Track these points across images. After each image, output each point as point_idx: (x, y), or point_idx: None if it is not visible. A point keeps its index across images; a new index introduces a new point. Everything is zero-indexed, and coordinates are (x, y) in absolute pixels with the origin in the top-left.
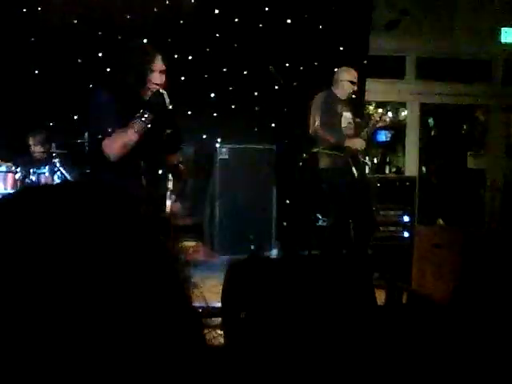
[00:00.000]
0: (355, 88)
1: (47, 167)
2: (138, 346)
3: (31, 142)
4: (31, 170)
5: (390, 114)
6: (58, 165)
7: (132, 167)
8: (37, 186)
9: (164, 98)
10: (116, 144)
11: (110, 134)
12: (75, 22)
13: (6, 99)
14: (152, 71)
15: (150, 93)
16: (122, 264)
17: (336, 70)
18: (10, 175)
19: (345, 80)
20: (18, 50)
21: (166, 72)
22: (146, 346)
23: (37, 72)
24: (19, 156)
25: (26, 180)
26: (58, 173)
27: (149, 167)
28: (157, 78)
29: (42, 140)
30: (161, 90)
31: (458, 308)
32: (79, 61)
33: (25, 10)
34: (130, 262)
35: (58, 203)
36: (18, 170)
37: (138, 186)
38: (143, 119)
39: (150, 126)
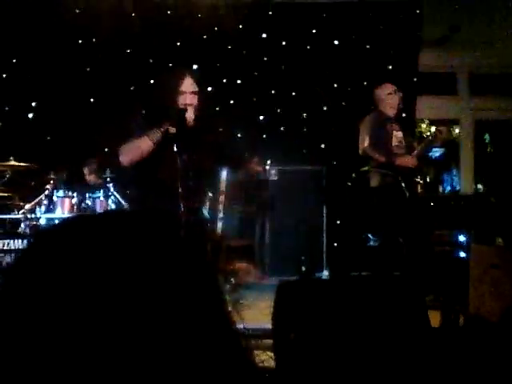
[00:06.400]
0: (401, 95)
1: (101, 191)
2: (178, 359)
3: (85, 171)
4: (87, 195)
5: (443, 131)
6: (111, 189)
7: (170, 192)
8: (89, 212)
9: (184, 114)
10: (129, 147)
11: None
12: (128, 51)
13: (62, 127)
14: (182, 92)
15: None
16: (164, 283)
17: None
18: (67, 200)
19: (384, 95)
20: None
21: (197, 93)
22: (184, 360)
23: (92, 100)
24: (75, 181)
25: (82, 204)
26: (112, 197)
27: (187, 193)
28: (186, 99)
29: (94, 169)
30: (186, 107)
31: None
32: (132, 88)
33: (80, 42)
34: (172, 282)
35: (105, 231)
36: (75, 194)
37: (177, 212)
38: (160, 129)
39: (163, 136)
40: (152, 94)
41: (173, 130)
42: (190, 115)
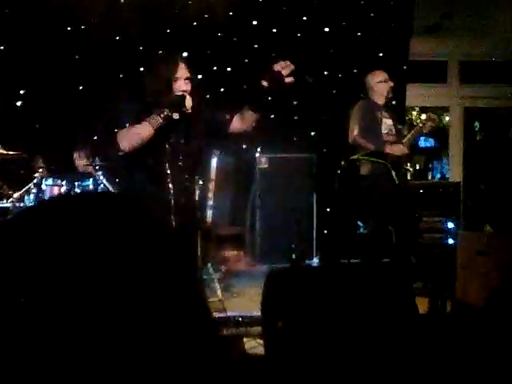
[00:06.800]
0: (391, 84)
1: (91, 180)
2: (150, 345)
3: (75, 156)
4: (76, 183)
5: (434, 119)
6: (101, 177)
7: (158, 175)
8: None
9: (184, 100)
10: (128, 133)
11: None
12: (117, 38)
13: (51, 115)
14: (176, 79)
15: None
16: (131, 267)
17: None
18: (55, 188)
19: (375, 82)
20: (64, 68)
21: (191, 79)
22: (157, 346)
23: (81, 88)
24: (64, 169)
25: (71, 193)
26: (102, 185)
27: (175, 175)
28: (182, 86)
29: (84, 154)
30: (184, 94)
31: (495, 313)
32: (121, 76)
33: (69, 29)
34: (140, 268)
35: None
36: (64, 183)
37: (166, 194)
38: (161, 115)
39: (164, 122)
40: (146, 81)
41: (176, 115)
42: (188, 101)
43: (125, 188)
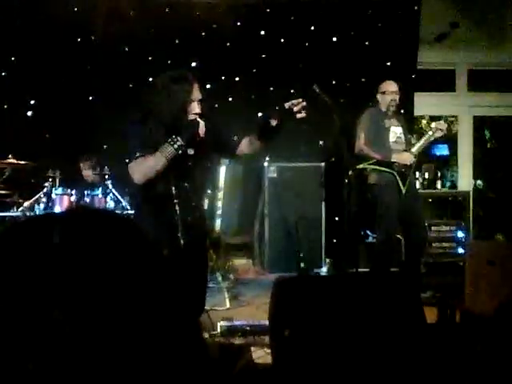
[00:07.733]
0: (395, 96)
1: (100, 189)
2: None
3: (83, 167)
4: (85, 192)
5: (443, 127)
6: (110, 186)
7: (165, 194)
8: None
9: (198, 127)
10: (141, 166)
11: (137, 158)
12: (127, 49)
13: (61, 125)
14: (191, 101)
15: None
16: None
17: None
18: (65, 197)
19: (381, 92)
20: (75, 79)
21: (203, 101)
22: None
23: (91, 98)
24: (74, 178)
25: (81, 202)
26: (111, 194)
27: (180, 195)
28: (196, 108)
29: (92, 165)
30: (198, 119)
31: (505, 323)
32: (130, 86)
33: (79, 40)
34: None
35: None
36: (73, 192)
37: (172, 215)
38: (175, 146)
39: (180, 152)
40: (159, 103)
41: (191, 151)
42: (201, 128)
43: (133, 199)
